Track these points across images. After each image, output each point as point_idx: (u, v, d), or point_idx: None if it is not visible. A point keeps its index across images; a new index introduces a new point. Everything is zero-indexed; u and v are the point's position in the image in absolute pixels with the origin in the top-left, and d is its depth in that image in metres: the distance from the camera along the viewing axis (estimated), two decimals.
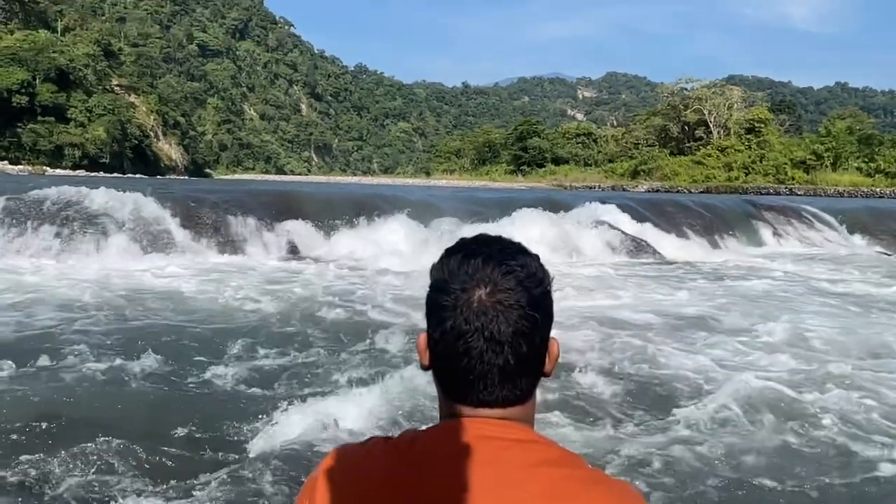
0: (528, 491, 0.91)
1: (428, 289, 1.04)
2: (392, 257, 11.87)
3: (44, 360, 5.18)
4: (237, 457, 3.77)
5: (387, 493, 0.95)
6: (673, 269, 13.11)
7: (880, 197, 43.57)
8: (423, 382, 5.05)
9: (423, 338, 1.05)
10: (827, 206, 21.98)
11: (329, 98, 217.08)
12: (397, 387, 4.93)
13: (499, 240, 1.05)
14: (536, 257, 1.04)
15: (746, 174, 59.22)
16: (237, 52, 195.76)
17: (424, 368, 1.05)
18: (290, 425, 4.08)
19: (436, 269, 1.04)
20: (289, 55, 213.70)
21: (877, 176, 53.24)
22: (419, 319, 6.77)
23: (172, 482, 3.51)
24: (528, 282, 0.99)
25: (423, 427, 1.02)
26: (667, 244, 15.20)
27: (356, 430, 4.12)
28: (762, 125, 63.32)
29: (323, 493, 1.00)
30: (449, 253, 1.04)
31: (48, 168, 61.97)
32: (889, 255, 17.47)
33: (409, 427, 1.22)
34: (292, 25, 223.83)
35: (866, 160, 55.44)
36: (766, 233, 18.51)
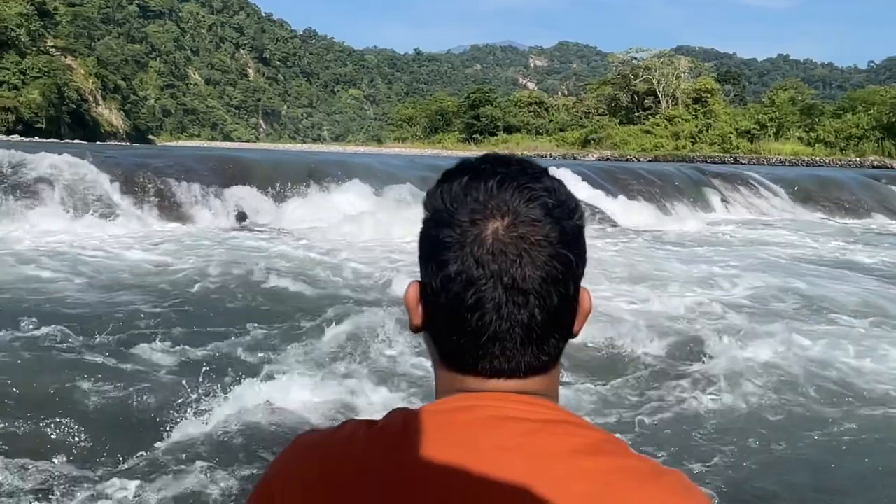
0: (569, 489, 0.68)
1: (422, 224, 0.78)
2: (344, 224, 11.64)
3: None
4: (172, 438, 3.59)
5: (375, 500, 0.70)
6: (649, 238, 13.20)
7: (819, 165, 45.00)
8: (390, 359, 4.94)
9: (414, 289, 0.79)
10: (771, 174, 22.55)
11: (277, 63, 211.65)
12: (354, 363, 4.80)
13: (516, 158, 0.79)
14: (562, 183, 0.79)
15: (693, 143, 60.33)
16: (180, 14, 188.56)
17: (415, 329, 0.80)
18: (233, 405, 3.91)
19: (433, 197, 0.78)
20: (235, 17, 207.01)
21: (817, 145, 54.91)
22: (374, 290, 6.64)
23: (102, 463, 3.34)
24: (559, 211, 0.74)
25: (415, 406, 0.77)
26: (620, 210, 15.32)
27: (306, 412, 3.96)
28: (709, 95, 64.43)
29: (285, 500, 0.74)
30: (450, 175, 0.78)
31: None
32: (829, 219, 18.17)
33: (393, 408, 0.77)
34: None
35: (807, 130, 57.09)
36: (714, 200, 18.88)
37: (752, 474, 3.52)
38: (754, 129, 58.02)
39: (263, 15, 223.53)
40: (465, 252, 0.73)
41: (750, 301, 7.24)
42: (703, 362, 5.02)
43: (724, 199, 19.08)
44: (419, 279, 0.79)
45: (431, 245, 0.76)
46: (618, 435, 0.72)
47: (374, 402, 4.09)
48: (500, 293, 0.72)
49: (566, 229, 0.74)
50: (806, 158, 50.76)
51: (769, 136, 57.42)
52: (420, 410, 0.75)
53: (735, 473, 3.52)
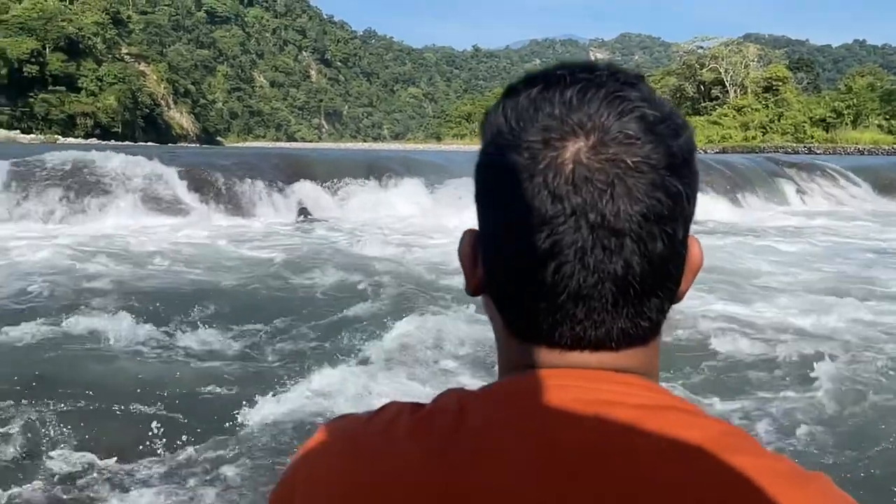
0: (685, 497, 0.51)
1: (479, 155, 0.60)
2: (404, 218, 11.63)
3: (38, 325, 5.03)
4: (231, 425, 3.59)
5: None
6: (744, 233, 12.57)
7: None
8: (462, 353, 4.82)
9: (470, 239, 0.61)
10: (849, 164, 21.42)
11: (338, 64, 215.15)
12: (426, 356, 4.70)
13: (605, 64, 0.60)
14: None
15: (764, 133, 58.19)
16: (245, 19, 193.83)
17: (473, 291, 0.61)
18: (293, 394, 3.90)
19: (493, 116, 0.60)
20: (297, 20, 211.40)
21: None
22: (436, 281, 6.44)
23: (161, 450, 3.34)
24: (663, 127, 0.55)
25: (474, 387, 0.58)
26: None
27: (362, 402, 3.91)
28: (780, 83, 62.05)
29: (307, 501, 0.58)
30: (515, 88, 0.60)
31: (60, 137, 61.99)
32: None
33: (446, 389, 0.60)
34: None
35: (888, 117, 54.22)
36: (789, 191, 18.00)
37: None
38: (830, 117, 55.51)
39: (325, 17, 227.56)
40: (537, 182, 0.54)
41: None
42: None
43: (799, 190, 18.19)
44: (476, 227, 0.61)
45: (491, 177, 0.57)
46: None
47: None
48: (584, 235, 0.53)
49: (673, 150, 0.55)
50: (886, 147, 48.18)
51: (846, 124, 54.84)
52: (480, 393, 0.58)
53: None
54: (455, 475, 0.53)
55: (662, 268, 0.55)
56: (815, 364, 4.56)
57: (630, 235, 0.53)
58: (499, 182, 0.56)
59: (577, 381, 0.55)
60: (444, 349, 4.75)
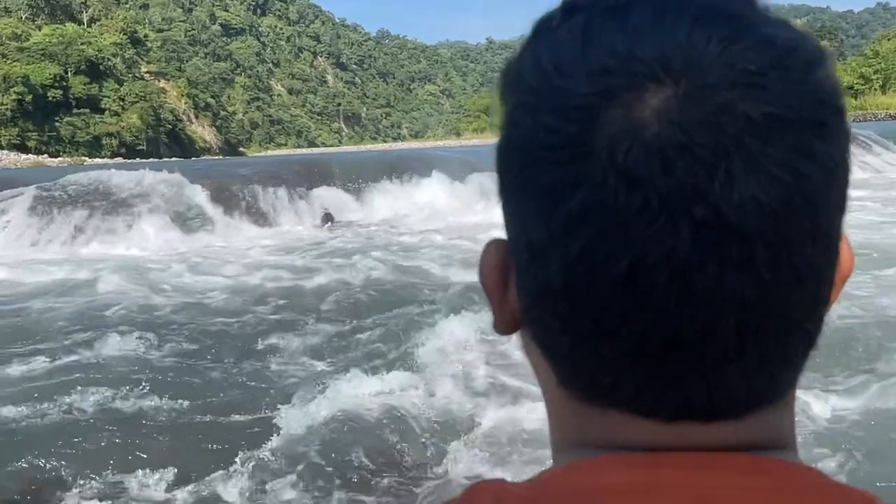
0: None
1: (502, 129, 0.37)
2: (429, 216, 11.51)
3: (74, 347, 5.03)
4: (269, 439, 3.56)
5: None
6: None
7: None
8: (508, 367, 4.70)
9: (495, 254, 0.38)
10: (882, 130, 20.84)
11: (354, 67, 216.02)
12: (467, 365, 4.57)
13: None
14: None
15: None
16: (260, 29, 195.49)
17: (504, 328, 0.39)
18: (327, 404, 3.85)
19: (519, 66, 0.36)
20: (311, 27, 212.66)
21: None
22: (470, 281, 6.21)
23: (203, 462, 3.33)
24: (799, 57, 0.32)
25: (508, 478, 0.37)
26: None
27: (399, 408, 3.81)
28: None
29: None
30: (549, 22, 0.36)
31: (87, 158, 63.11)
32: None
33: (478, 480, 0.34)
34: None
35: None
36: None
37: None
38: (858, 84, 54.21)
39: (337, 21, 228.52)
40: (598, 159, 0.31)
41: None
42: None
43: None
44: (504, 237, 0.39)
45: (521, 160, 0.34)
46: None
47: (486, 414, 3.84)
48: (685, 242, 0.30)
49: (820, 95, 0.32)
50: None
51: (875, 90, 53.54)
52: (523, 493, 0.34)
53: None
54: None
55: (813, 285, 0.33)
56: None
57: (763, 238, 0.31)
58: (534, 167, 0.33)
59: (681, 476, 0.32)
60: (502, 355, 4.53)
